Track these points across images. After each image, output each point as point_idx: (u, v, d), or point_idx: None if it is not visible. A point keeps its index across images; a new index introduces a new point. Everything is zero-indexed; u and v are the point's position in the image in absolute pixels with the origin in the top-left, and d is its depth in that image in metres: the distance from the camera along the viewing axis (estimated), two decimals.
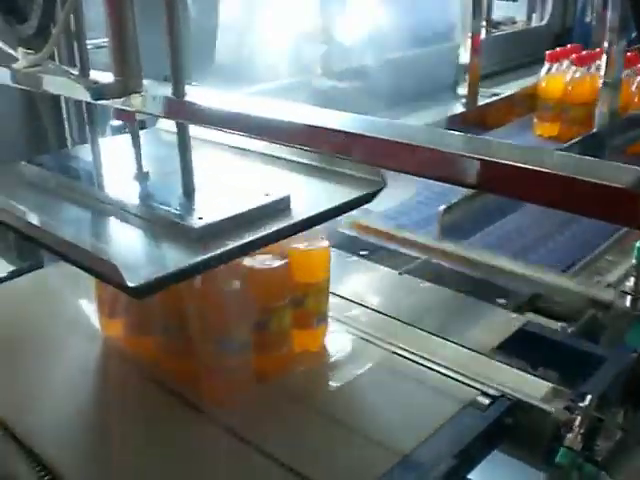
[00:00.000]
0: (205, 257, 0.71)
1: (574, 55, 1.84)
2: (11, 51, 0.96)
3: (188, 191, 0.82)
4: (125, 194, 0.85)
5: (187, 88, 0.78)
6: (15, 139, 1.46)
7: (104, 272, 0.68)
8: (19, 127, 1.47)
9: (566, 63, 1.86)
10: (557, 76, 1.86)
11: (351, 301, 1.12)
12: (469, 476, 0.85)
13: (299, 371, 0.97)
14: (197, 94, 0.78)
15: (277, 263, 0.93)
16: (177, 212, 0.79)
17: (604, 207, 0.51)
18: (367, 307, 1.10)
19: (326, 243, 0.98)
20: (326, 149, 0.67)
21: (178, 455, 0.83)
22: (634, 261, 1.02)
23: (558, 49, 1.90)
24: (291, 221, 0.78)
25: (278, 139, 0.71)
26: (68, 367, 1.00)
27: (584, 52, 1.87)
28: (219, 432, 0.86)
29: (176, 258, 0.72)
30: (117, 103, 0.84)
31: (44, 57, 0.91)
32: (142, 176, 0.89)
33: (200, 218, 0.76)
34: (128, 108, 0.84)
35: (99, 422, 0.90)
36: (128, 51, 0.80)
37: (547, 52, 1.88)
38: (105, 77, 0.85)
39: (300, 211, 0.80)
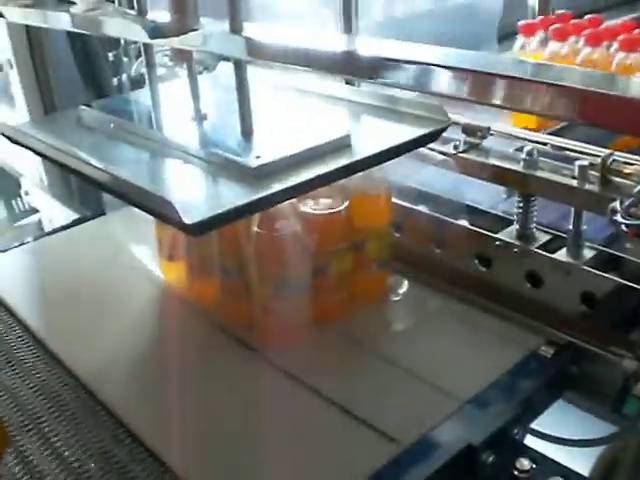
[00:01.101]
0: (262, 195, 0.70)
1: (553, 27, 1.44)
2: None
3: (246, 131, 0.81)
4: (183, 135, 0.85)
5: (245, 25, 0.76)
6: (74, 85, 1.47)
7: (162, 210, 0.68)
8: (76, 72, 1.48)
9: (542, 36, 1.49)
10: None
11: None
12: (533, 425, 0.84)
13: (359, 315, 0.96)
14: (255, 30, 0.77)
15: (335, 207, 0.91)
16: (235, 151, 0.78)
17: None
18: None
19: (387, 188, 0.96)
20: (391, 80, 0.64)
21: (237, 397, 0.83)
22: None
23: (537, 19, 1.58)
24: (351, 160, 0.76)
25: (340, 71, 0.69)
26: (130, 311, 1.01)
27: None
28: (277, 374, 0.86)
29: (233, 196, 0.71)
30: (175, 43, 0.83)
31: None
32: (200, 118, 0.88)
33: (258, 157, 0.75)
34: (185, 47, 0.83)
35: (160, 364, 0.91)
36: None
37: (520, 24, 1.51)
38: (163, 17, 0.84)
39: (361, 150, 0.78)
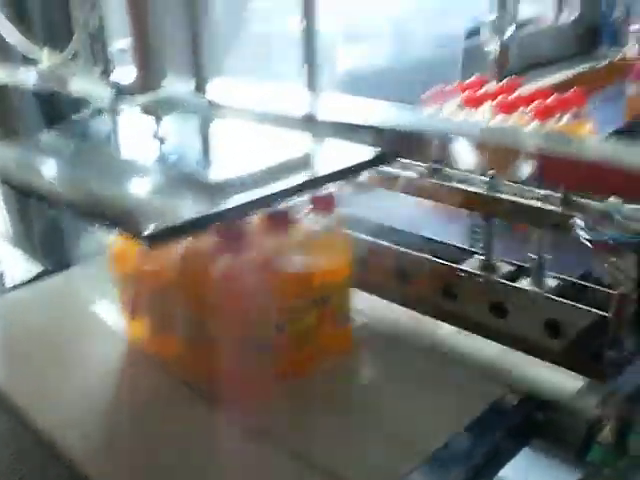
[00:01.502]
0: (218, 209, 0.72)
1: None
2: (35, 53, 0.96)
3: (206, 150, 0.82)
4: (143, 155, 0.86)
5: (209, 83, 0.78)
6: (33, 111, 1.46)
7: (120, 222, 0.69)
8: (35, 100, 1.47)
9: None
10: None
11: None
12: (500, 474, 0.84)
13: (323, 370, 0.95)
14: (219, 89, 0.78)
15: (299, 263, 0.91)
16: (194, 168, 0.80)
17: None
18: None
19: (349, 239, 0.96)
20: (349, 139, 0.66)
21: (199, 452, 0.83)
22: None
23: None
24: (309, 177, 0.78)
25: (303, 131, 0.70)
26: (93, 367, 1.00)
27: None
28: (239, 430, 0.86)
29: (190, 209, 0.72)
30: (140, 101, 0.85)
31: (67, 57, 0.92)
32: (160, 139, 0.89)
33: (217, 173, 0.77)
34: (150, 105, 0.84)
35: (122, 420, 0.90)
36: (150, 47, 0.80)
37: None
38: (128, 74, 0.85)
39: (319, 168, 0.80)
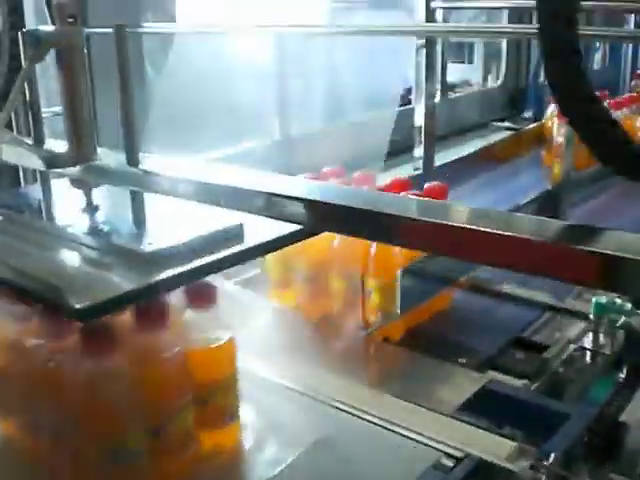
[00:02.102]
0: (153, 281, 0.71)
1: None
2: None
3: (139, 220, 0.82)
4: (75, 226, 0.85)
5: (141, 156, 0.79)
6: None
7: (50, 297, 0.68)
8: None
9: None
10: None
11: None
12: None
13: (207, 472, 0.88)
14: (151, 162, 0.79)
15: (170, 360, 0.83)
16: (127, 239, 0.79)
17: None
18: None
19: (230, 335, 0.88)
20: (282, 216, 0.67)
21: None
22: (591, 316, 1.03)
23: None
24: (243, 247, 0.79)
25: (233, 206, 0.71)
26: None
27: None
28: None
29: (123, 282, 0.71)
30: (72, 173, 0.84)
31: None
32: (92, 209, 0.88)
33: (150, 244, 0.76)
34: (82, 177, 0.84)
35: None
36: (82, 120, 0.81)
37: None
38: (60, 146, 0.85)
39: (252, 238, 0.80)
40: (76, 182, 0.87)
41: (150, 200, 0.83)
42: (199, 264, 0.75)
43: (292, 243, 0.83)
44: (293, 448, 0.90)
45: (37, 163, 0.85)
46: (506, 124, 2.64)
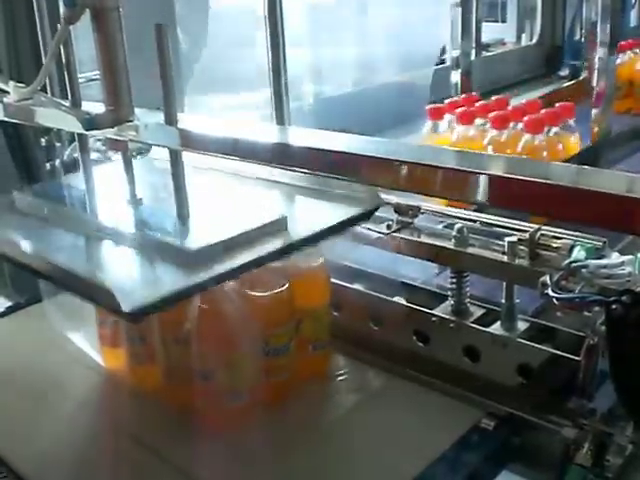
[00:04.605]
0: (201, 279, 0.71)
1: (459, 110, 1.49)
2: (2, 85, 0.96)
3: (183, 215, 0.82)
4: (119, 220, 0.85)
5: (179, 115, 0.78)
6: (5, 170, 1.46)
7: (99, 298, 0.68)
8: (8, 158, 1.46)
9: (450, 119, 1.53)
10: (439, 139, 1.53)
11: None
12: None
13: (300, 396, 0.95)
14: (189, 121, 0.78)
15: (278, 288, 0.91)
16: (172, 235, 0.79)
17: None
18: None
19: (325, 268, 0.96)
20: (321, 169, 0.66)
21: None
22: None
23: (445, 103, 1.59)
24: (288, 241, 0.78)
25: (272, 162, 0.71)
26: (71, 399, 0.99)
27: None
28: (220, 456, 0.85)
29: (171, 281, 0.71)
30: (110, 133, 0.84)
31: (35, 89, 0.91)
32: (136, 202, 0.89)
33: (196, 241, 0.76)
34: (121, 138, 0.84)
35: (101, 452, 0.89)
36: (119, 80, 0.80)
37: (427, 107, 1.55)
38: (97, 108, 0.85)
39: (297, 232, 0.80)
40: (114, 144, 0.87)
41: (193, 187, 0.82)
42: (244, 261, 0.75)
43: (337, 234, 0.83)
44: None
45: (75, 125, 0.85)
46: (543, 81, 2.59)
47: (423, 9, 2.20)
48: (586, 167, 0.59)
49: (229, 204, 0.90)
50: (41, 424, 0.94)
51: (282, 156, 0.68)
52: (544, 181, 0.55)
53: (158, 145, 0.90)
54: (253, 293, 0.90)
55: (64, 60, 0.87)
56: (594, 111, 1.63)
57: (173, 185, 0.81)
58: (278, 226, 0.80)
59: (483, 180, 0.57)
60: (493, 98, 1.55)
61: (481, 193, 0.57)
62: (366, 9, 2.04)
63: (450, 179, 0.59)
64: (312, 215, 0.86)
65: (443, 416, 0.90)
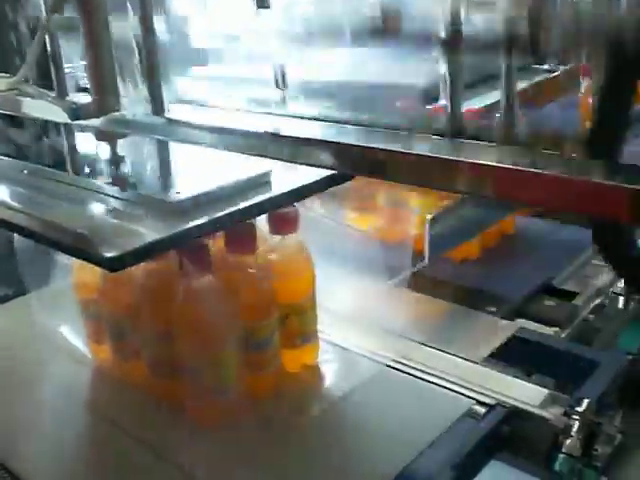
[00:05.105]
0: (180, 229, 0.71)
1: None
2: None
3: (165, 170, 0.82)
4: (100, 177, 0.85)
5: (166, 105, 0.77)
6: None
7: (80, 248, 0.68)
8: None
9: None
10: None
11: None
12: None
13: (287, 389, 0.95)
14: (177, 111, 0.77)
15: (261, 280, 0.91)
16: (154, 189, 0.79)
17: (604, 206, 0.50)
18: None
19: (310, 260, 0.96)
20: (312, 161, 0.66)
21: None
22: None
23: None
24: (271, 194, 0.78)
25: (263, 153, 0.70)
26: (57, 394, 0.98)
27: None
28: (212, 451, 0.85)
29: (151, 231, 0.71)
30: (97, 124, 0.83)
31: (20, 80, 0.90)
32: (118, 160, 0.88)
33: (178, 193, 0.76)
34: (107, 128, 0.83)
35: (92, 446, 0.89)
36: (105, 70, 0.79)
37: None
38: (83, 98, 0.84)
39: (281, 186, 0.80)
40: (101, 134, 0.86)
41: (176, 149, 0.82)
42: (226, 212, 0.75)
43: (323, 189, 0.82)
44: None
45: (61, 115, 0.84)
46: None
47: None
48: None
49: (213, 159, 0.88)
50: (26, 416, 0.94)
51: (272, 148, 0.68)
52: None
53: (146, 136, 0.89)
54: (234, 288, 0.89)
55: (49, 50, 0.86)
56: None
57: (156, 141, 0.80)
58: (262, 180, 0.80)
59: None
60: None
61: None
62: None
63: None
64: (298, 171, 0.85)
65: (432, 406, 0.91)
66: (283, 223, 0.92)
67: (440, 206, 1.08)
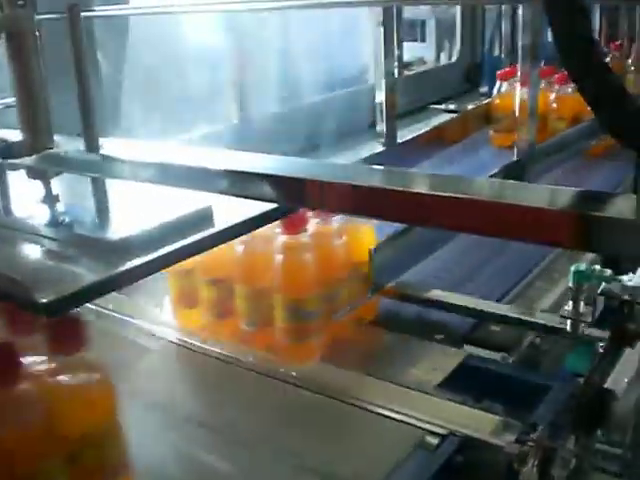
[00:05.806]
0: (121, 269, 0.68)
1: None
2: None
3: (102, 208, 0.79)
4: (34, 218, 0.81)
5: (100, 141, 0.75)
6: None
7: (13, 292, 0.65)
8: None
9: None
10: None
11: None
12: None
13: None
14: (111, 147, 0.75)
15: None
16: (91, 229, 0.76)
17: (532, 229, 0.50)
18: None
19: (105, 377, 0.76)
20: (250, 194, 0.65)
21: None
22: (570, 285, 1.02)
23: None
24: (213, 231, 0.76)
25: (198, 187, 0.69)
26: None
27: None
28: None
29: (90, 273, 0.68)
30: (29, 162, 0.81)
31: None
32: (52, 199, 0.84)
33: (115, 232, 0.74)
34: (39, 167, 0.80)
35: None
36: (37, 108, 0.77)
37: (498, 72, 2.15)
38: (14, 135, 0.81)
39: (222, 221, 0.78)
40: (33, 172, 0.83)
41: (113, 187, 0.80)
42: (168, 251, 0.72)
43: (265, 224, 0.81)
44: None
45: None
46: (463, 99, 2.63)
47: (342, 25, 2.22)
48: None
49: (153, 196, 0.85)
50: None
51: (205, 181, 0.66)
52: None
53: (79, 174, 0.86)
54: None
55: None
56: None
57: (91, 179, 0.78)
58: (203, 216, 0.78)
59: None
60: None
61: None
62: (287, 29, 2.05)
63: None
64: (238, 206, 0.84)
65: (385, 438, 0.89)
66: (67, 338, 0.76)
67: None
